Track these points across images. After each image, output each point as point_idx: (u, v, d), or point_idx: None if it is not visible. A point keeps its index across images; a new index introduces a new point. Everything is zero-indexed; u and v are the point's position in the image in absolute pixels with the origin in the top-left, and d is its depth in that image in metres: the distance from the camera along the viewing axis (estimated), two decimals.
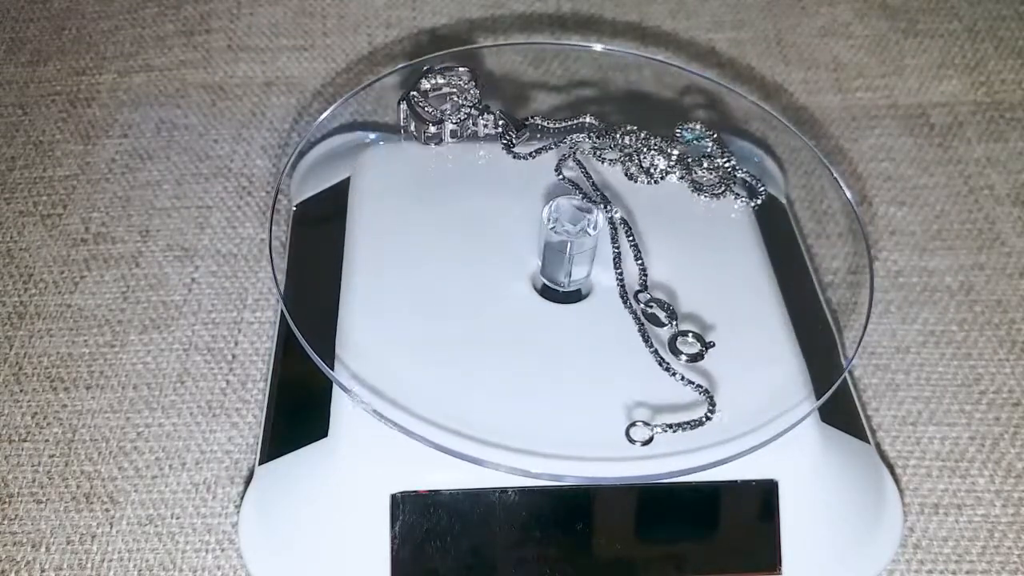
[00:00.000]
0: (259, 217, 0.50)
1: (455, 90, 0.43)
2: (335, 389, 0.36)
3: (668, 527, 0.36)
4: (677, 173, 0.40)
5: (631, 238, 0.39)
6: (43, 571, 0.37)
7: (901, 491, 0.40)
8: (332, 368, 0.35)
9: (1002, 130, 0.56)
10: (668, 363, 0.35)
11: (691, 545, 0.36)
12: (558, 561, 0.35)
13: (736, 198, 0.41)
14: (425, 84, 0.43)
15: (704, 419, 0.34)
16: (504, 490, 0.34)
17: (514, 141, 0.42)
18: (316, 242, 0.45)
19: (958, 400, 0.43)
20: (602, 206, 0.39)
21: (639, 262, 0.38)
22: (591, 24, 0.61)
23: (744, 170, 0.41)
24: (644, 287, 0.37)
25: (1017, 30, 0.61)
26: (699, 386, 0.34)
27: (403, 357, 0.36)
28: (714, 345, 0.35)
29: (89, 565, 0.38)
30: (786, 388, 0.36)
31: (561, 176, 0.41)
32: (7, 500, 0.39)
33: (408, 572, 0.34)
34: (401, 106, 0.42)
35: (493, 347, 0.37)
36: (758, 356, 0.37)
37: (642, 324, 0.36)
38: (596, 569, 0.35)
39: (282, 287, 0.42)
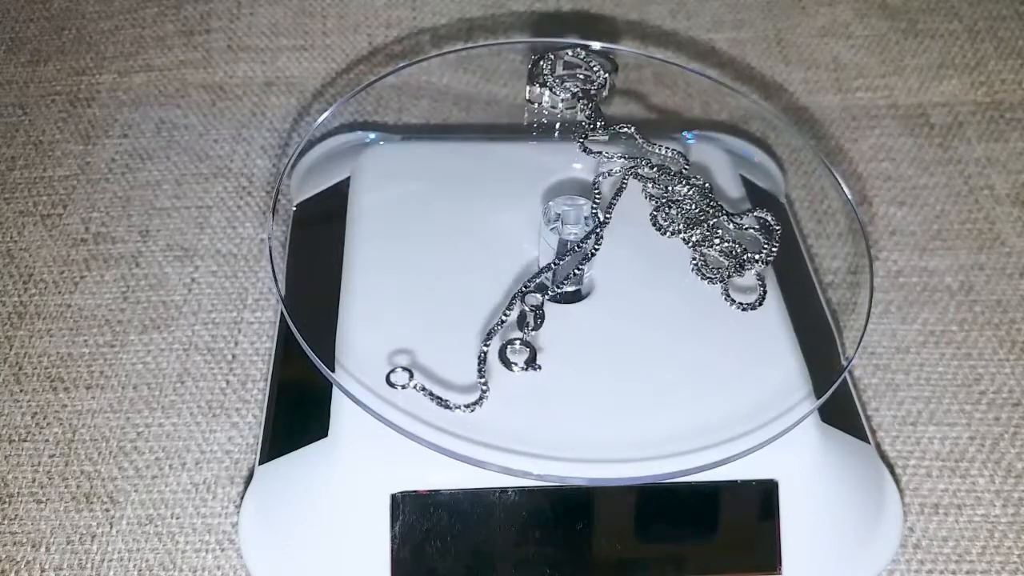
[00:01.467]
0: (259, 217, 0.50)
1: (584, 72, 0.43)
2: (335, 389, 0.36)
3: (668, 527, 0.36)
4: (692, 254, 0.39)
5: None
6: (43, 571, 0.37)
7: (901, 491, 0.40)
8: (332, 369, 0.35)
9: (1002, 130, 0.56)
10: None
11: (691, 545, 0.36)
12: (558, 561, 0.35)
13: (750, 266, 0.38)
14: (566, 58, 0.43)
15: (448, 404, 0.34)
16: (504, 490, 0.34)
17: (588, 135, 0.42)
18: (316, 242, 0.45)
19: (958, 400, 0.43)
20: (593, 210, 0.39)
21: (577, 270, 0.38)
22: (591, 24, 0.61)
23: (749, 225, 0.39)
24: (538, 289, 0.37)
25: (1017, 30, 0.61)
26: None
27: (403, 357, 0.36)
28: (536, 355, 0.35)
29: (89, 565, 0.38)
30: (786, 388, 0.36)
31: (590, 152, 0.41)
32: (7, 500, 0.39)
33: (408, 572, 0.34)
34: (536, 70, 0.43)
35: (493, 348, 0.37)
36: (758, 356, 0.37)
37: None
38: (596, 569, 0.35)
39: (282, 287, 0.42)
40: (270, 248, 0.40)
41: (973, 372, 0.44)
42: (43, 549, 0.38)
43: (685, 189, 0.39)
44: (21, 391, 0.43)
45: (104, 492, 0.40)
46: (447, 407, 0.34)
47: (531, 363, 0.35)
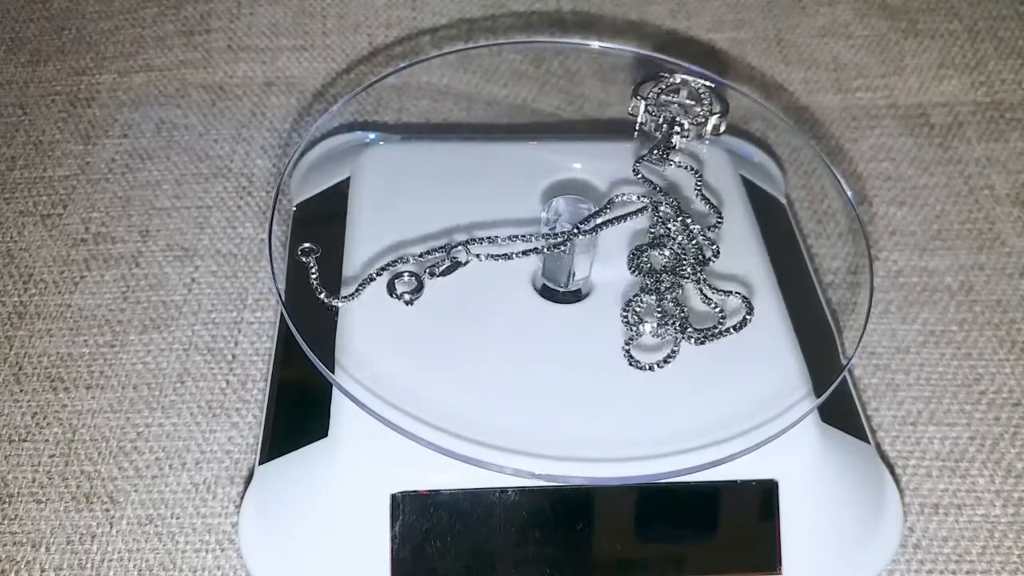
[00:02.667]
0: (259, 217, 0.50)
1: (686, 101, 0.42)
2: (335, 389, 0.36)
3: (668, 527, 0.36)
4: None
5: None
6: (43, 571, 0.37)
7: (901, 491, 0.40)
8: (332, 370, 0.35)
9: (1002, 130, 0.56)
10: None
11: (691, 545, 0.36)
12: (558, 561, 0.35)
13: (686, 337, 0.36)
14: (668, 84, 0.42)
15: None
16: (504, 490, 0.34)
17: (648, 160, 0.41)
18: (316, 242, 0.45)
19: (958, 400, 0.43)
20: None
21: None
22: (591, 24, 0.61)
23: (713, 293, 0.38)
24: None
25: (1017, 30, 0.61)
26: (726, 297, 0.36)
27: (403, 358, 0.36)
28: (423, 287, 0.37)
29: (89, 565, 0.38)
30: (786, 388, 0.36)
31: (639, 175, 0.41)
32: (7, 500, 0.39)
33: (408, 572, 0.34)
34: (639, 101, 0.42)
35: (493, 348, 0.37)
36: (758, 356, 0.37)
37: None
38: (596, 569, 0.35)
39: (282, 287, 0.42)
40: (270, 248, 0.40)
41: (973, 372, 0.44)
42: (43, 549, 0.38)
43: (682, 239, 0.38)
44: (21, 391, 0.43)
45: (104, 492, 0.40)
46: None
47: (416, 293, 0.37)
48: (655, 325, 0.36)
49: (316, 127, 0.47)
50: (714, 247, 0.38)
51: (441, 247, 0.39)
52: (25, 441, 0.41)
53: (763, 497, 0.35)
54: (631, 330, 0.36)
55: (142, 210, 0.50)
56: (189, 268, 0.47)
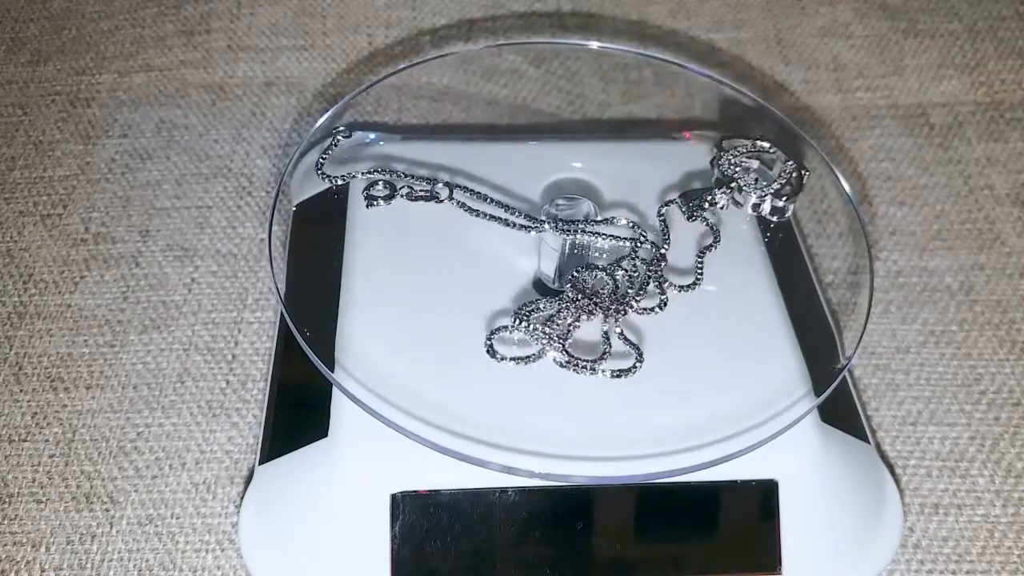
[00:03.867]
0: (259, 217, 0.50)
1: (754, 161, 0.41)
2: (335, 389, 0.36)
3: (668, 527, 0.36)
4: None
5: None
6: (43, 571, 0.37)
7: (901, 491, 0.40)
8: (332, 369, 0.35)
9: (1002, 130, 0.56)
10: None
11: (691, 545, 0.36)
12: (558, 561, 0.35)
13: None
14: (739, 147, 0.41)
15: None
16: (504, 490, 0.34)
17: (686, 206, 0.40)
18: (316, 242, 0.45)
19: (958, 400, 0.43)
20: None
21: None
22: (591, 24, 0.61)
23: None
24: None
25: (1017, 30, 0.61)
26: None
27: (403, 357, 0.36)
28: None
29: (89, 565, 0.38)
30: (786, 387, 0.36)
31: None
32: (7, 500, 0.39)
33: (408, 572, 0.34)
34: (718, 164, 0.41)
35: None
36: (758, 356, 0.37)
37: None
38: (596, 569, 0.35)
39: (282, 287, 0.42)
40: (270, 248, 0.40)
41: (973, 372, 0.44)
42: (43, 549, 0.38)
43: (638, 279, 0.38)
44: (21, 391, 0.43)
45: (104, 492, 0.40)
46: None
47: (387, 200, 0.38)
48: (529, 328, 0.35)
49: (316, 127, 0.47)
50: (663, 298, 0.37)
51: (429, 179, 0.40)
52: (25, 441, 0.41)
53: (763, 497, 0.35)
54: (512, 324, 0.35)
55: (142, 210, 0.50)
56: (189, 268, 0.47)
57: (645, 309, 0.36)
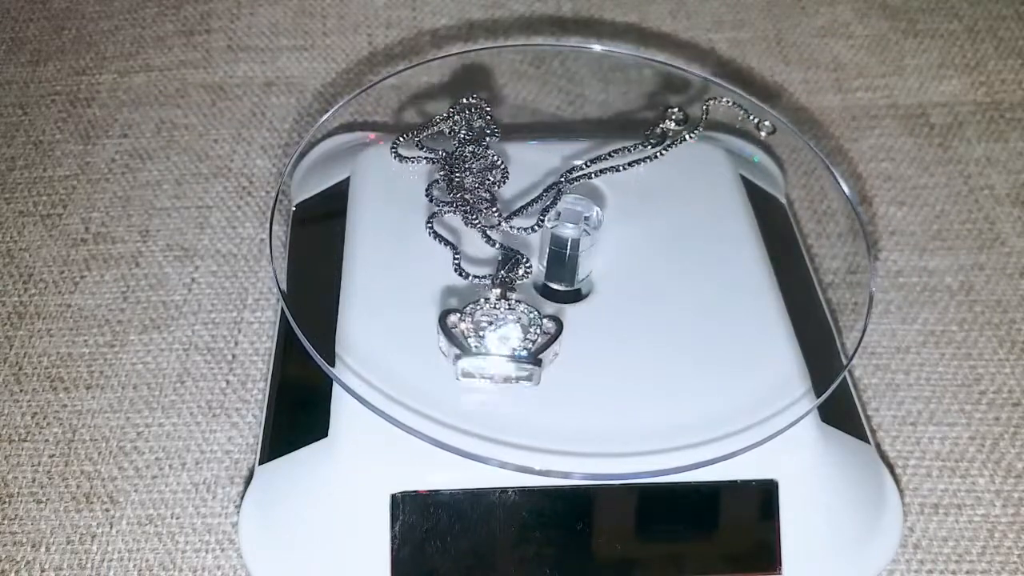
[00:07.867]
0: (259, 217, 0.50)
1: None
2: (335, 388, 0.36)
3: (668, 527, 0.36)
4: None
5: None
6: (43, 571, 0.37)
7: (901, 491, 0.40)
8: (332, 366, 0.35)
9: (1002, 130, 0.56)
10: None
11: (691, 545, 0.36)
12: (558, 561, 0.35)
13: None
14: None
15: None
16: (504, 490, 0.34)
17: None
18: (316, 242, 0.45)
19: (958, 400, 0.43)
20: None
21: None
22: (591, 24, 0.61)
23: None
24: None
25: (1017, 30, 0.61)
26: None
27: (403, 356, 0.36)
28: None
29: (89, 565, 0.38)
30: (786, 387, 0.36)
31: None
32: (7, 500, 0.39)
33: (408, 572, 0.34)
34: None
35: None
36: (758, 356, 0.37)
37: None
38: (596, 569, 0.35)
39: (283, 287, 0.42)
40: (270, 248, 0.40)
41: (973, 372, 0.44)
42: (43, 549, 0.38)
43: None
44: (21, 391, 0.43)
45: (104, 492, 0.40)
46: None
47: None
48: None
49: (316, 127, 0.47)
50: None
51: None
52: (25, 441, 0.41)
53: (763, 497, 0.35)
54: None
55: (142, 210, 0.50)
56: (189, 268, 0.47)
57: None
